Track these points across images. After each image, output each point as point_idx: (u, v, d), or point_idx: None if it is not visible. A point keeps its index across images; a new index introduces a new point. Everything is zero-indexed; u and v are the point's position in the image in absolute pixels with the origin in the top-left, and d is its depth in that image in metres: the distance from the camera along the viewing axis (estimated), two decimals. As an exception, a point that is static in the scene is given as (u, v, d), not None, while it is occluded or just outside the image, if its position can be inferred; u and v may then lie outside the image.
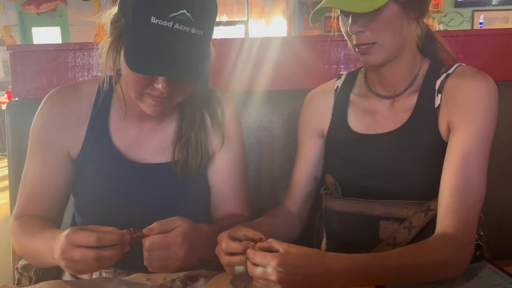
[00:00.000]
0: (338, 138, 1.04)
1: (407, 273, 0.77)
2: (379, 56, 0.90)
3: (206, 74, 0.83)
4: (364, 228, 0.97)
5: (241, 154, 1.07)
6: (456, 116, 0.88)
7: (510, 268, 0.83)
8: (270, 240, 0.74)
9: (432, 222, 0.89)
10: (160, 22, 0.77)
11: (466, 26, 6.47)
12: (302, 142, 1.11)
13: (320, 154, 1.09)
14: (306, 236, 1.10)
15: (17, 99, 1.35)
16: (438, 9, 6.42)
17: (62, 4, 7.27)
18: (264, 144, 1.31)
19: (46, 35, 7.44)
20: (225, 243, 0.77)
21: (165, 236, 0.78)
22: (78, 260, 0.75)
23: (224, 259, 0.78)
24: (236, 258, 0.76)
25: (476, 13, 6.47)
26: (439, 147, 0.90)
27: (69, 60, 1.34)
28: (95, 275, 1.00)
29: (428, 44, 0.99)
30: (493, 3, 6.51)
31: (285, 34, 6.95)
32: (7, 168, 1.29)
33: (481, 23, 6.11)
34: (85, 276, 1.00)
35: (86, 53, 1.34)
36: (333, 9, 0.92)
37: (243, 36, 6.98)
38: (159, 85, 0.83)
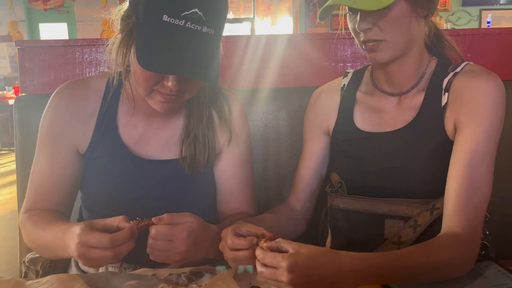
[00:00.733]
0: (344, 136, 1.04)
1: (416, 272, 0.77)
2: (386, 54, 0.90)
3: (216, 73, 0.83)
4: (369, 226, 0.97)
5: (248, 151, 1.07)
6: (463, 115, 0.88)
7: (515, 268, 0.83)
8: (279, 240, 0.74)
9: (438, 220, 0.89)
10: (172, 20, 0.77)
11: (474, 25, 6.43)
12: (308, 140, 1.12)
13: (325, 152, 1.09)
14: (311, 233, 1.10)
15: (24, 94, 1.36)
16: (446, 7, 6.39)
17: (69, 0, 7.30)
18: (270, 141, 1.32)
19: (53, 31, 7.48)
20: (230, 239, 0.78)
21: (171, 228, 0.79)
22: (96, 259, 0.77)
23: (230, 254, 0.78)
24: (241, 253, 0.77)
25: (483, 12, 6.43)
26: (446, 146, 0.90)
27: (76, 56, 1.35)
28: (101, 269, 1.01)
29: (435, 42, 0.99)
30: (501, 2, 6.47)
31: (291, 32, 6.93)
32: (14, 163, 1.31)
33: (488, 22, 6.07)
34: (92, 270, 1.01)
35: (93, 49, 1.35)
36: (340, 6, 0.92)
37: (249, 33, 6.97)
38: (169, 82, 0.83)
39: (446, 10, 6.37)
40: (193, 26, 0.78)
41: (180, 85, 0.84)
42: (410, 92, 0.97)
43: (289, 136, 1.31)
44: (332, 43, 1.39)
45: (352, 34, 0.94)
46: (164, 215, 0.80)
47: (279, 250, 0.73)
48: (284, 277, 0.68)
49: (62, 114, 0.98)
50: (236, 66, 1.36)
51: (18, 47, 1.35)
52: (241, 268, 0.82)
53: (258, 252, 0.73)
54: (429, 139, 0.92)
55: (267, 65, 1.38)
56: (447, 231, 0.83)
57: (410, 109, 0.96)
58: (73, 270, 1.05)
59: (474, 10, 6.49)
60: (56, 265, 1.04)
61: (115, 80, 0.97)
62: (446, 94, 0.92)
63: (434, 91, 0.94)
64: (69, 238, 0.79)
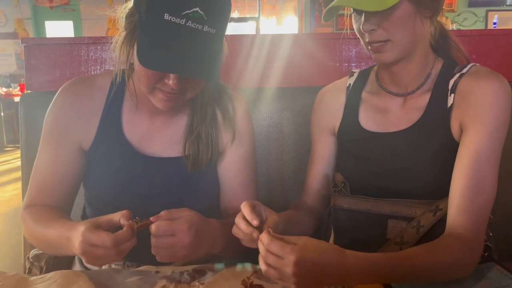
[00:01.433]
0: (349, 136, 1.04)
1: (420, 273, 0.77)
2: (391, 54, 0.90)
3: (216, 72, 0.83)
4: (372, 226, 0.97)
5: (251, 151, 1.08)
6: (469, 116, 0.88)
7: (518, 270, 0.82)
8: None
9: (441, 221, 0.89)
10: (173, 19, 0.77)
11: (480, 26, 6.40)
12: (315, 141, 1.12)
13: (333, 152, 1.10)
14: (314, 232, 1.10)
15: (30, 91, 1.37)
16: (452, 8, 6.36)
17: (75, -1, 7.33)
18: (274, 141, 1.32)
19: (59, 29, 7.51)
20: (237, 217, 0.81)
21: (171, 222, 0.80)
22: (99, 257, 0.78)
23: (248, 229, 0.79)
24: (241, 234, 0.80)
25: (490, 13, 6.39)
26: (450, 147, 0.90)
27: (82, 53, 1.36)
28: (104, 266, 1.01)
29: (441, 43, 0.98)
30: (508, 3, 6.43)
31: (296, 32, 6.93)
32: (19, 159, 1.31)
33: (495, 23, 6.04)
34: (95, 267, 1.01)
35: (99, 47, 1.35)
36: (346, 7, 0.92)
37: (254, 33, 6.97)
38: (170, 81, 0.83)
39: (452, 11, 6.34)
40: (194, 25, 0.78)
41: (182, 83, 0.84)
42: (416, 93, 0.97)
43: (293, 135, 1.31)
44: (337, 43, 1.39)
45: (357, 34, 0.95)
46: (162, 212, 0.81)
47: (285, 241, 0.72)
48: (289, 268, 0.68)
49: (67, 111, 0.99)
50: (241, 65, 1.36)
51: (24, 44, 1.36)
52: (239, 265, 0.82)
53: (264, 237, 0.72)
54: (434, 139, 0.92)
55: (271, 64, 1.38)
56: (451, 231, 0.83)
57: (415, 109, 0.96)
58: (77, 267, 1.05)
59: (480, 11, 6.45)
60: (60, 261, 1.05)
61: (118, 78, 0.98)
62: (452, 95, 0.92)
63: (440, 92, 0.94)
64: (74, 236, 0.80)
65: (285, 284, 0.72)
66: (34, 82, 1.36)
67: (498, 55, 1.37)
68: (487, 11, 6.43)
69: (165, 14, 0.77)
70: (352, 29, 0.96)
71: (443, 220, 0.88)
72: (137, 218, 0.81)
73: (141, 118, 1.01)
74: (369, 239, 0.97)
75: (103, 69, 1.36)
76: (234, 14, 7.02)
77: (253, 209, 0.80)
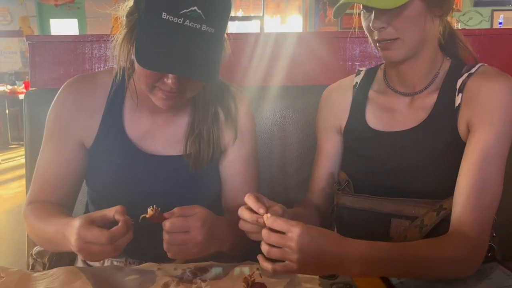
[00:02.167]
0: (355, 134, 1.04)
1: (421, 266, 0.77)
2: (400, 52, 0.90)
3: (215, 73, 0.83)
4: (375, 225, 0.96)
5: (253, 149, 1.08)
6: (476, 116, 0.87)
7: (521, 270, 0.82)
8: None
9: (444, 221, 0.89)
10: (171, 18, 0.77)
11: (485, 26, 6.36)
12: (321, 139, 1.12)
13: (339, 151, 1.09)
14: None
15: (34, 89, 1.37)
16: (457, 7, 6.32)
17: (80, -3, 7.35)
18: (277, 139, 1.32)
19: (64, 27, 7.53)
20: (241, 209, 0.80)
21: (185, 220, 0.80)
22: (95, 253, 0.78)
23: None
24: (247, 225, 0.79)
25: (495, 13, 6.36)
26: (457, 147, 0.90)
27: (86, 51, 1.36)
28: (106, 262, 1.02)
29: (449, 42, 0.98)
30: (514, 2, 6.39)
31: (300, 31, 6.92)
32: (24, 157, 1.32)
33: (500, 23, 6.00)
34: (97, 264, 1.02)
35: (103, 45, 1.36)
36: (355, 5, 0.92)
37: (258, 31, 6.96)
38: (169, 80, 0.83)
39: (458, 11, 6.30)
40: (192, 25, 0.78)
41: (180, 83, 0.84)
42: (423, 92, 0.96)
43: (296, 134, 1.31)
44: (341, 41, 1.39)
45: (366, 32, 0.94)
46: (175, 209, 0.81)
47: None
48: (293, 242, 0.69)
49: (69, 107, 0.99)
50: (245, 64, 1.36)
51: (29, 42, 1.37)
52: (237, 269, 0.83)
53: (267, 217, 0.73)
54: (440, 139, 0.92)
55: (275, 63, 1.38)
56: (456, 230, 0.82)
57: (422, 109, 0.95)
58: (79, 263, 1.06)
59: (485, 10, 6.41)
60: (63, 258, 1.06)
61: (118, 75, 0.98)
62: (460, 94, 0.91)
63: (447, 91, 0.93)
64: (69, 232, 0.79)
65: (286, 266, 0.72)
66: (39, 80, 1.37)
67: (504, 54, 1.37)
68: (492, 11, 6.39)
69: (163, 13, 0.77)
70: (360, 27, 0.96)
71: (446, 219, 0.88)
72: (154, 206, 0.80)
73: (142, 116, 1.01)
74: (372, 237, 0.96)
75: (107, 67, 1.36)
76: (239, 13, 7.01)
77: (257, 199, 0.80)
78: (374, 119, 1.01)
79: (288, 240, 0.70)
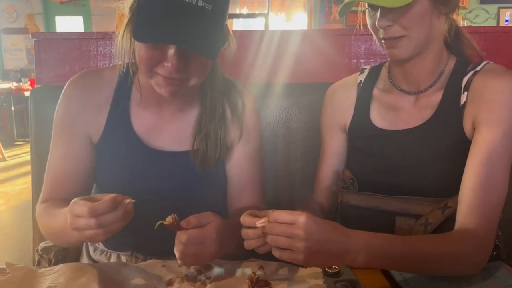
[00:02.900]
0: (360, 133, 1.03)
1: (425, 260, 0.77)
2: (406, 50, 0.89)
3: (214, 48, 0.82)
4: (380, 223, 0.96)
5: (258, 147, 1.07)
6: (482, 114, 0.87)
7: (527, 269, 0.82)
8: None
9: (449, 219, 0.89)
10: None
11: (491, 23, 6.32)
12: (326, 137, 1.11)
13: (344, 149, 1.09)
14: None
15: (40, 86, 1.38)
16: (463, 5, 6.28)
17: (85, -6, 7.37)
18: (281, 137, 1.32)
19: (69, 24, 7.55)
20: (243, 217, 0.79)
21: (201, 231, 0.79)
22: (83, 228, 0.75)
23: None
24: (251, 232, 0.77)
25: (502, 10, 6.31)
26: (462, 145, 0.89)
27: (91, 48, 1.36)
28: (113, 258, 1.02)
29: (455, 40, 0.97)
30: (520, 0, 6.34)
31: (305, 28, 6.90)
32: (29, 154, 1.33)
33: (507, 20, 5.96)
34: (103, 260, 1.02)
35: (108, 42, 1.36)
36: (360, 3, 0.91)
37: (263, 29, 6.95)
38: (168, 63, 0.82)
39: (464, 8, 6.26)
40: (188, 0, 0.78)
41: (180, 65, 0.83)
42: (428, 91, 0.96)
43: (300, 132, 1.31)
44: (346, 39, 1.39)
45: (371, 30, 0.94)
46: (190, 218, 0.80)
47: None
48: (300, 230, 0.70)
49: (76, 103, 0.99)
50: (250, 61, 1.36)
51: (34, 39, 1.37)
52: (241, 267, 0.83)
53: (274, 214, 0.73)
54: (445, 137, 0.92)
55: (280, 60, 1.38)
56: (462, 227, 0.82)
57: (427, 107, 0.95)
58: (85, 259, 1.07)
59: (492, 8, 6.37)
60: (68, 254, 1.06)
61: (123, 68, 0.98)
62: (466, 93, 0.91)
63: (453, 89, 0.93)
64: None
65: (293, 254, 0.72)
66: (44, 77, 1.37)
67: (510, 52, 1.36)
68: (499, 8, 6.35)
69: None
70: (364, 25, 0.96)
71: (451, 218, 0.87)
72: (175, 214, 0.79)
73: (149, 112, 1.01)
74: (376, 236, 0.97)
75: (112, 64, 1.36)
76: (244, 10, 7.00)
77: (252, 215, 0.79)
78: (379, 118, 1.01)
79: (294, 228, 0.70)
